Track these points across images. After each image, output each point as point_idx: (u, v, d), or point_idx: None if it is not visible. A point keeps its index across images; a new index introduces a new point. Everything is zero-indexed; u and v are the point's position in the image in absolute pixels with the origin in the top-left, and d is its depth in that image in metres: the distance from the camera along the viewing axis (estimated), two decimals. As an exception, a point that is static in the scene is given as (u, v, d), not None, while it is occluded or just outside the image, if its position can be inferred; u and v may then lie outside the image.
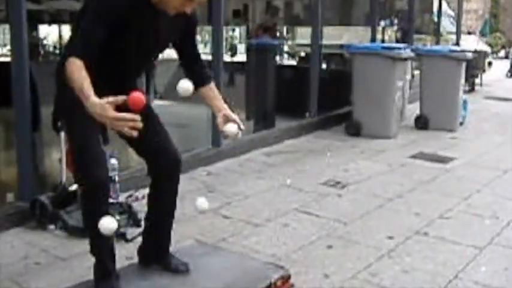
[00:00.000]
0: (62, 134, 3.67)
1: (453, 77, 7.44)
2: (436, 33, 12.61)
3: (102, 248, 2.55)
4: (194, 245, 3.37)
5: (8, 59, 3.94)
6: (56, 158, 3.97)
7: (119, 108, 2.07)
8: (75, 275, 2.99)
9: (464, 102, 7.95)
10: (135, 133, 2.05)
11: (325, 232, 3.84)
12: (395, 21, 11.70)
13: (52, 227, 3.72)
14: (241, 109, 7.06)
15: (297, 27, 11.54)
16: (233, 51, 11.12)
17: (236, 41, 11.66)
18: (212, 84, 2.67)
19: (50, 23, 12.73)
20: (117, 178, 3.97)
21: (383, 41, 10.21)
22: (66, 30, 11.29)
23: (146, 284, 2.65)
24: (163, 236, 2.79)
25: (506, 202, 4.60)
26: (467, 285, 3.14)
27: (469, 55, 7.70)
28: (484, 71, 12.70)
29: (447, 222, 4.10)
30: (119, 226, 3.60)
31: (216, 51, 5.64)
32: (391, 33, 11.32)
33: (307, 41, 7.98)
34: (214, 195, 4.57)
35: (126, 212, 3.82)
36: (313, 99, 7.42)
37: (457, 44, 12.60)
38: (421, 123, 7.66)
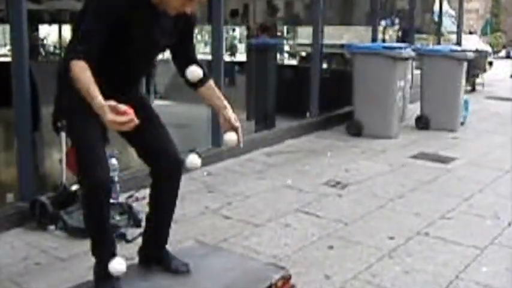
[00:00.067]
0: (62, 134, 3.67)
1: (454, 76, 7.43)
2: (437, 33, 12.61)
3: (103, 248, 2.55)
4: (195, 245, 3.37)
5: (8, 59, 3.93)
6: (56, 158, 3.97)
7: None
8: (75, 276, 2.98)
9: (466, 102, 7.94)
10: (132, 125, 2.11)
11: (325, 232, 3.83)
12: (396, 20, 11.69)
13: (52, 227, 3.71)
14: (242, 109, 7.06)
15: (297, 26, 11.53)
16: (233, 50, 11.11)
17: (236, 41, 11.66)
18: (210, 83, 2.66)
19: (50, 22, 12.73)
20: (117, 178, 3.96)
21: (384, 40, 10.20)
22: (67, 30, 11.29)
23: (146, 284, 2.64)
24: (162, 236, 2.78)
25: (508, 202, 4.58)
26: (469, 285, 3.13)
27: (470, 55, 7.69)
28: (485, 70, 12.68)
29: (448, 223, 4.09)
30: (119, 226, 3.63)
31: (216, 51, 5.63)
32: (392, 33, 11.31)
33: (308, 41, 7.98)
34: (215, 196, 4.56)
35: (127, 212, 3.82)
36: (313, 99, 7.41)
37: (458, 43, 12.59)
38: (422, 123, 7.65)
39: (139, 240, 2.91)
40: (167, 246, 2.79)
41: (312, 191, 4.76)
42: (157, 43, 2.51)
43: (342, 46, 8.78)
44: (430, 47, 10.57)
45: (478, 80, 12.37)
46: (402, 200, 4.59)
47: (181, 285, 2.65)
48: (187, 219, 3.96)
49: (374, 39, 9.03)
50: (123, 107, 2.09)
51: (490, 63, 13.19)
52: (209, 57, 5.71)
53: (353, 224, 4.01)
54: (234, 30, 11.75)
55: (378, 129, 6.92)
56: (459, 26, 13.49)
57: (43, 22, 12.37)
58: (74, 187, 3.76)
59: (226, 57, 8.71)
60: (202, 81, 2.61)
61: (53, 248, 3.48)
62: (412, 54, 7.24)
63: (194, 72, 2.53)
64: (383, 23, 10.58)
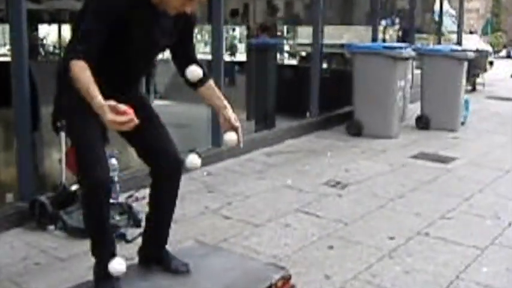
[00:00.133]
0: (62, 134, 3.66)
1: (454, 76, 7.43)
2: (438, 33, 12.60)
3: (103, 248, 2.54)
4: (195, 245, 3.36)
5: (7, 59, 3.92)
6: (56, 158, 3.97)
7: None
8: (74, 276, 2.98)
9: (466, 102, 7.93)
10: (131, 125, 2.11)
11: (326, 232, 3.83)
12: (397, 20, 11.68)
13: (52, 227, 3.71)
14: (242, 109, 7.05)
15: (297, 26, 11.52)
16: (232, 50, 11.10)
17: (236, 41, 11.65)
18: (210, 83, 2.65)
19: (50, 22, 12.72)
20: (117, 178, 3.96)
21: (384, 40, 10.19)
22: (66, 30, 11.28)
23: (146, 284, 2.63)
24: (162, 236, 2.77)
25: (508, 202, 4.58)
26: (469, 286, 3.12)
27: (471, 54, 7.68)
28: (485, 70, 12.67)
29: (448, 223, 4.09)
30: (119, 226, 3.62)
31: (216, 51, 5.63)
32: (392, 33, 11.30)
33: (308, 41, 7.97)
34: (215, 196, 4.56)
35: (126, 212, 3.81)
36: (314, 99, 7.41)
37: (459, 43, 12.58)
38: (422, 123, 7.64)
39: (139, 240, 2.90)
40: (167, 246, 2.78)
41: (312, 191, 4.75)
42: (157, 43, 2.51)
43: (342, 46, 8.76)
44: (431, 46, 10.56)
45: (478, 80, 12.36)
46: (402, 200, 4.59)
47: (181, 285, 2.64)
48: (187, 219, 3.96)
49: (374, 39, 9.02)
50: (122, 106, 2.08)
51: (491, 63, 13.17)
52: (209, 57, 5.70)
53: (353, 224, 4.00)
54: (234, 30, 11.74)
55: (378, 129, 6.91)
56: (459, 25, 13.48)
57: (43, 22, 12.36)
58: (74, 187, 3.76)
59: (226, 57, 8.70)
60: (202, 81, 2.61)
61: (52, 248, 3.48)
62: (413, 54, 7.23)
63: (194, 72, 2.53)
64: (383, 22, 10.58)
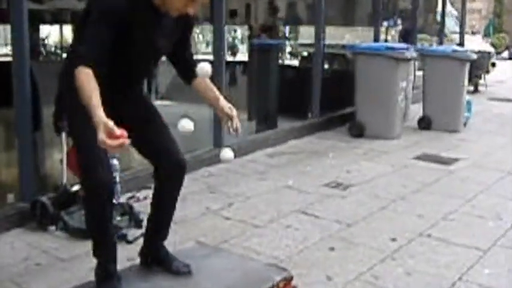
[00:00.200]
0: (63, 134, 3.66)
1: (456, 77, 7.42)
2: (440, 34, 12.58)
3: (105, 249, 2.54)
4: (196, 246, 3.36)
5: (9, 59, 3.92)
6: (57, 159, 3.96)
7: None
8: (76, 277, 2.97)
9: (468, 103, 7.91)
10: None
11: (327, 234, 3.82)
12: (399, 21, 11.66)
13: (53, 228, 3.70)
14: (244, 109, 7.04)
15: (299, 27, 11.51)
16: (234, 50, 11.09)
17: (237, 41, 11.64)
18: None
19: (51, 22, 12.71)
20: (118, 179, 3.95)
21: (386, 41, 10.18)
22: (68, 30, 11.28)
23: (147, 285, 2.63)
24: (162, 236, 2.77)
25: (510, 204, 4.57)
26: (471, 287, 3.11)
27: (473, 55, 7.67)
28: (487, 71, 12.64)
29: (450, 224, 4.08)
30: (120, 227, 3.62)
31: (218, 51, 5.62)
32: (394, 34, 11.29)
33: (310, 41, 7.96)
34: (216, 196, 4.55)
35: (128, 213, 3.81)
36: (315, 99, 7.40)
37: (461, 44, 12.56)
38: (424, 124, 7.63)
39: (140, 241, 2.89)
40: (168, 247, 2.78)
41: (313, 192, 4.74)
42: (160, 45, 2.50)
43: (343, 46, 8.75)
44: (433, 47, 10.54)
45: (480, 81, 12.34)
46: (404, 201, 4.58)
47: (182, 286, 2.64)
48: (188, 220, 3.95)
49: (376, 40, 9.01)
50: (118, 131, 2.03)
51: (493, 64, 13.12)
52: (211, 57, 5.69)
53: (355, 225, 3.99)
54: (235, 30, 11.73)
55: (380, 130, 6.90)
56: (462, 26, 13.46)
57: (44, 22, 12.35)
58: (75, 187, 3.76)
59: (228, 57, 8.70)
60: (195, 74, 2.59)
61: (53, 249, 3.47)
62: (415, 54, 7.22)
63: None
64: (385, 23, 10.57)
